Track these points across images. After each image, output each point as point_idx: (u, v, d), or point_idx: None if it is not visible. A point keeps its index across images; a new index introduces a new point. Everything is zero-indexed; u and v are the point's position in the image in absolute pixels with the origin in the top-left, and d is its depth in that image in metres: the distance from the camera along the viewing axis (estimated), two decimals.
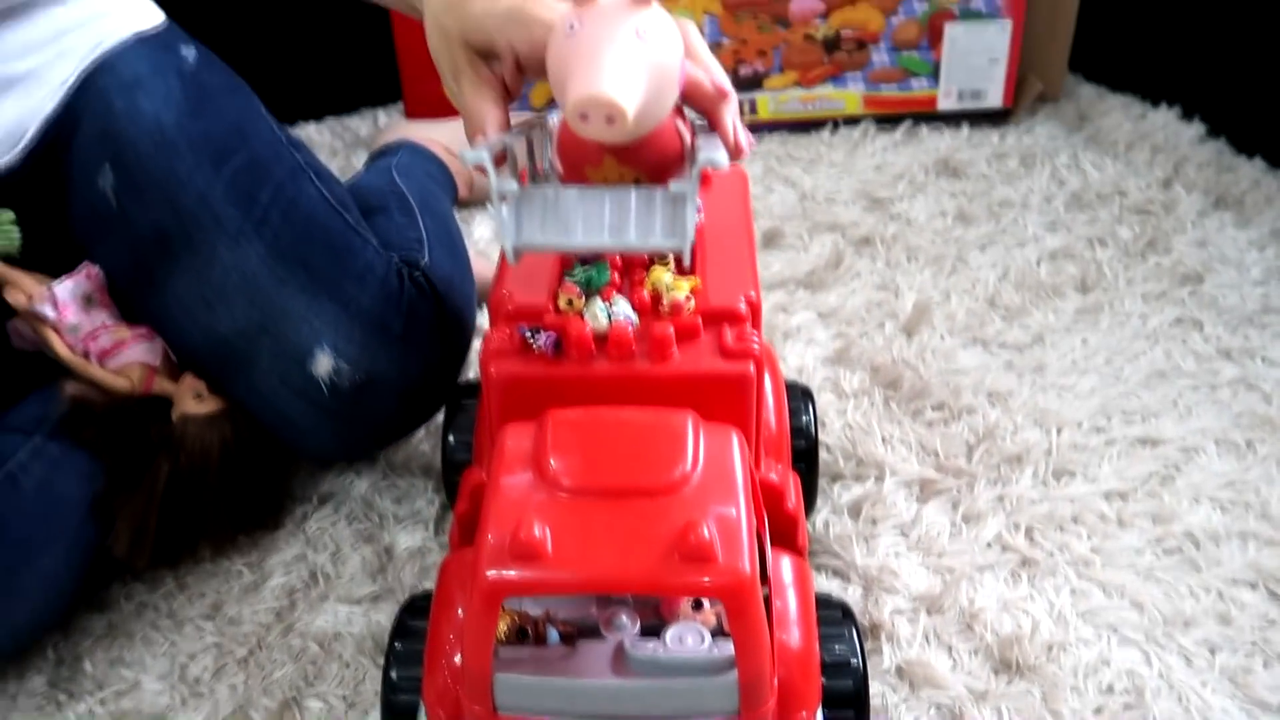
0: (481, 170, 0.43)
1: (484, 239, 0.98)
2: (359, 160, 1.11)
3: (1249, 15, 1.01)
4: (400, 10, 0.59)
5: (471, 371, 0.73)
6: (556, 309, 0.50)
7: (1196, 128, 1.08)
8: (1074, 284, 0.89)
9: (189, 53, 0.76)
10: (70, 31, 0.72)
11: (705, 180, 0.60)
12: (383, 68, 1.12)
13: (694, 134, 0.48)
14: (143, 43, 0.75)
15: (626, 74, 0.39)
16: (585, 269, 0.52)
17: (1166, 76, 1.12)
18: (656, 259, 0.52)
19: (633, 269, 0.52)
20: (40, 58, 0.71)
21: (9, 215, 0.65)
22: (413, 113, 1.10)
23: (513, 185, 0.43)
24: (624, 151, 0.44)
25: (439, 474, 0.69)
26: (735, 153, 0.48)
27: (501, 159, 0.45)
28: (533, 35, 0.46)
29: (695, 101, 0.48)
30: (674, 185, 0.42)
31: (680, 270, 0.52)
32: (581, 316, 0.49)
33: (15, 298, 0.64)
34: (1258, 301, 0.86)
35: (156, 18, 0.79)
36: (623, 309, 0.49)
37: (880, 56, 1.10)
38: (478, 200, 1.02)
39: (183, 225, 0.65)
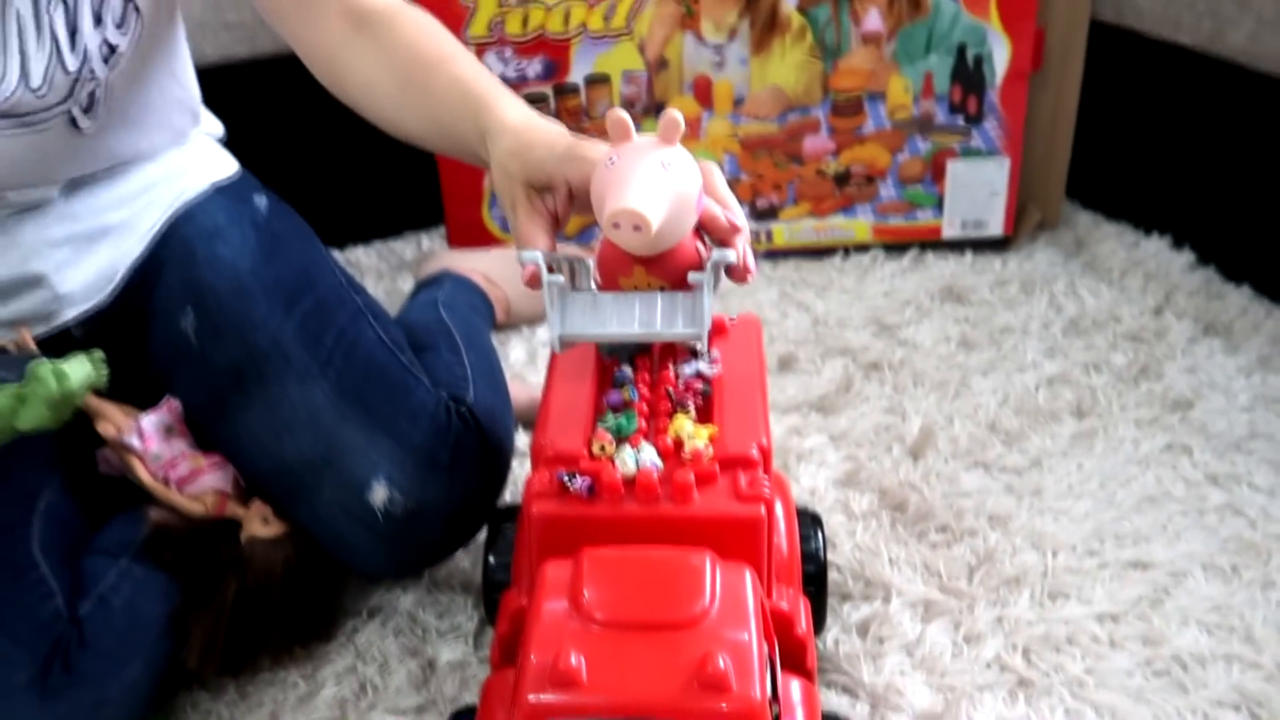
0: (535, 283, 0.53)
1: (519, 361, 1.06)
2: (404, 283, 1.19)
3: (1235, 147, 1.09)
4: (462, 159, 0.69)
5: (509, 495, 0.79)
6: (590, 454, 0.56)
7: (1187, 256, 1.15)
8: (1070, 409, 0.95)
9: (261, 201, 0.85)
10: (157, 184, 0.82)
11: (722, 329, 0.67)
12: (426, 195, 1.22)
13: (710, 252, 0.56)
14: (220, 193, 0.85)
15: (651, 193, 0.50)
16: (616, 416, 0.59)
17: (1158, 205, 1.20)
18: (679, 408, 0.59)
19: (658, 416, 0.59)
20: (132, 209, 0.80)
21: (99, 354, 0.73)
22: (454, 241, 1.19)
23: (560, 279, 0.53)
24: (651, 263, 0.54)
25: (479, 590, 0.74)
26: (743, 274, 0.56)
27: (550, 270, 0.55)
28: (583, 171, 0.56)
29: (713, 231, 0.57)
30: (692, 275, 0.52)
31: (700, 419, 0.59)
32: (612, 462, 0.55)
33: (105, 429, 0.71)
34: (1245, 427, 0.91)
35: (231, 167, 0.89)
36: (649, 455, 0.56)
37: (887, 190, 1.18)
38: (513, 324, 1.10)
39: (256, 364, 0.72)
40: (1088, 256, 1.19)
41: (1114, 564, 0.77)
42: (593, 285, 0.58)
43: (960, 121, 1.15)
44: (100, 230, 0.78)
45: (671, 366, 0.62)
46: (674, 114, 0.53)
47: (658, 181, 0.51)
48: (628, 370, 0.62)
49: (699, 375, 0.62)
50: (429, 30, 0.70)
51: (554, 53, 1.10)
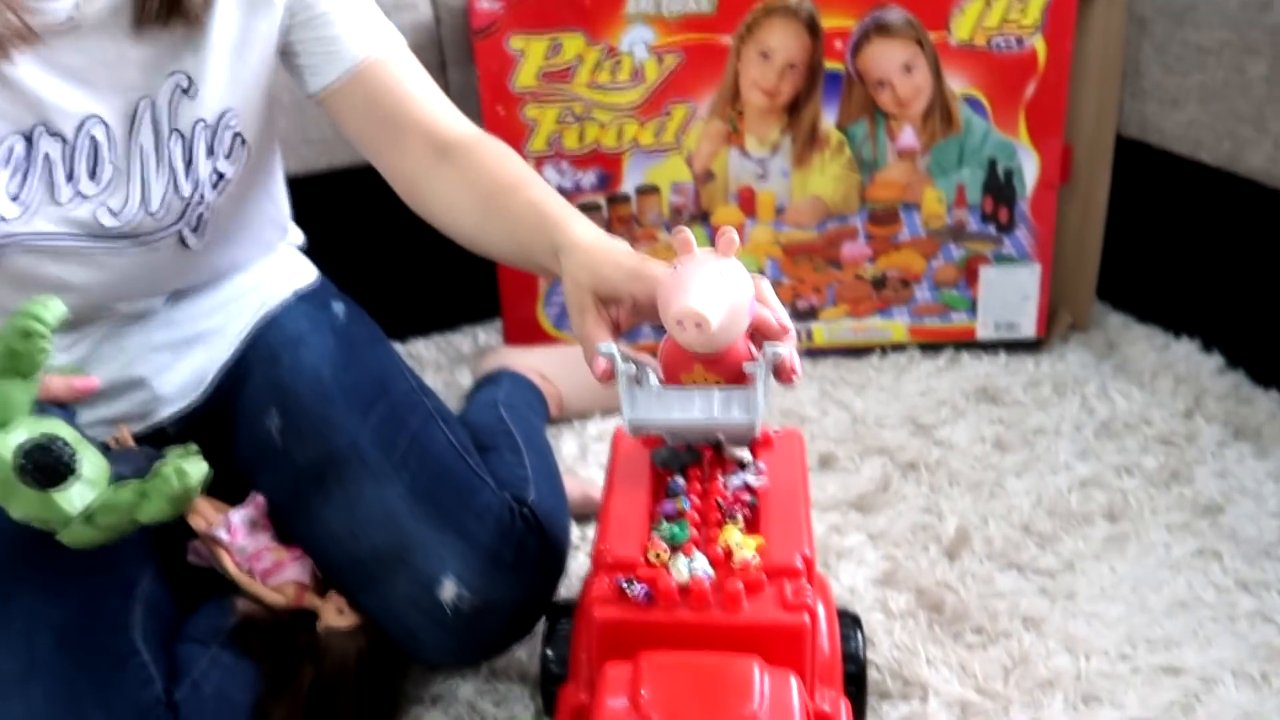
0: (608, 376, 0.61)
1: (571, 455, 1.11)
2: (461, 376, 1.26)
3: (1261, 256, 1.13)
4: (533, 272, 0.75)
5: (563, 590, 0.84)
6: (647, 561, 0.61)
7: (1216, 359, 1.19)
8: (1103, 512, 0.98)
9: (339, 308, 0.93)
10: (247, 293, 0.89)
11: (767, 441, 0.72)
12: (482, 291, 1.29)
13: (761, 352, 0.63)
14: (302, 300, 0.92)
15: (710, 296, 0.57)
16: (670, 525, 0.64)
17: (1188, 309, 1.24)
18: (728, 518, 0.64)
19: (708, 526, 0.64)
20: (224, 315, 0.87)
21: (194, 447, 0.80)
22: (510, 339, 1.26)
23: (632, 369, 0.61)
24: (709, 361, 0.62)
25: (535, 681, 0.79)
26: (789, 375, 0.62)
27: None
28: (647, 288, 0.62)
29: (763, 334, 0.63)
30: (747, 366, 0.60)
31: (748, 529, 0.64)
32: (667, 569, 0.60)
33: (197, 522, 0.77)
34: (1274, 533, 0.94)
35: (311, 274, 0.97)
36: (701, 564, 0.60)
37: (923, 293, 1.24)
38: (566, 418, 1.16)
39: (335, 464, 0.78)
40: (1119, 358, 1.23)
41: (1146, 669, 0.80)
42: (656, 382, 0.64)
43: (992, 230, 1.21)
44: (195, 336, 0.86)
45: (720, 477, 0.68)
46: (730, 231, 0.60)
47: (716, 287, 0.58)
48: (680, 480, 0.67)
49: (746, 486, 0.67)
50: (504, 157, 0.77)
51: (607, 165, 1.18)
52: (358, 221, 1.23)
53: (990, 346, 1.26)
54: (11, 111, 0.68)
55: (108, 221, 0.74)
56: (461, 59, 1.18)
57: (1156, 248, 1.26)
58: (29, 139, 0.69)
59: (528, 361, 1.15)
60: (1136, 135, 1.18)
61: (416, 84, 0.80)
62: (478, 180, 0.76)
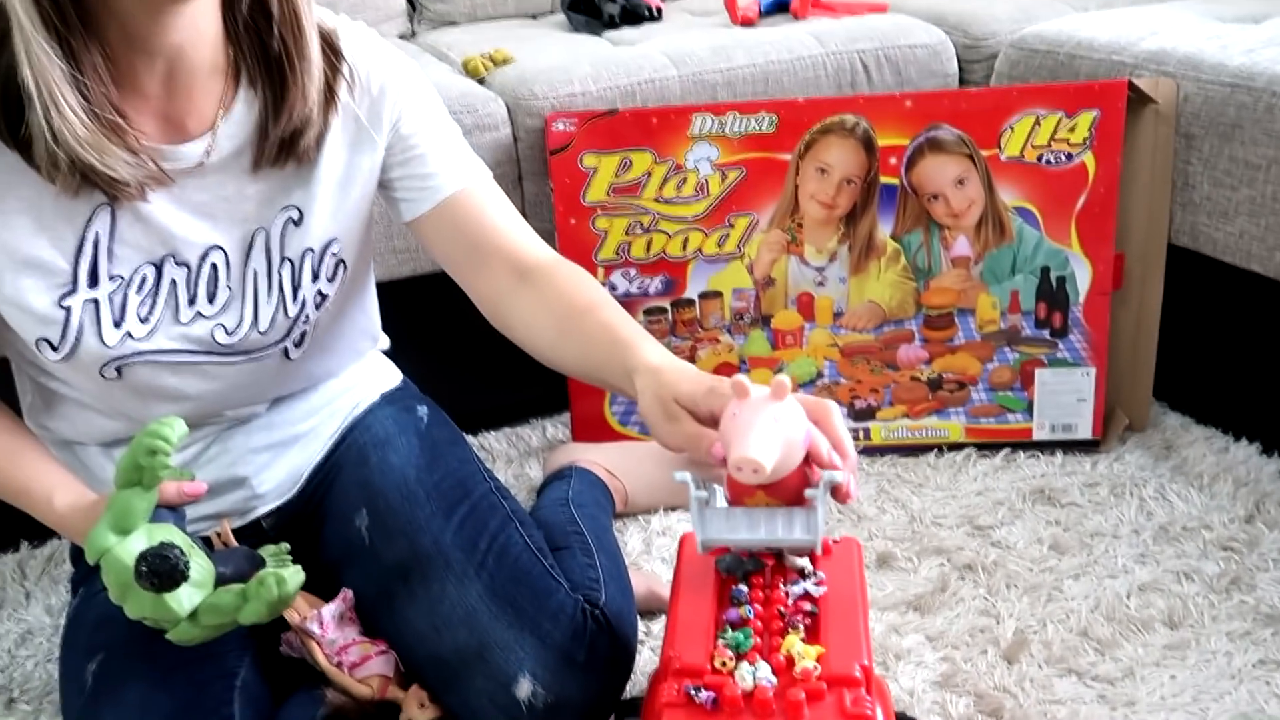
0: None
1: (635, 550, 1.15)
2: (531, 469, 1.32)
3: None
4: (603, 388, 0.81)
5: (631, 686, 0.87)
6: (713, 668, 0.65)
7: (1276, 463, 1.19)
8: (1162, 619, 0.99)
9: (422, 411, 0.99)
10: (339, 397, 0.96)
11: (826, 549, 0.76)
12: (551, 386, 1.35)
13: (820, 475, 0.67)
14: (389, 402, 0.99)
15: (766, 444, 0.62)
16: (734, 632, 0.68)
17: (1246, 412, 1.25)
18: (790, 627, 0.68)
19: (771, 634, 0.68)
20: (318, 419, 0.95)
21: (285, 546, 0.86)
22: (578, 435, 1.32)
23: (705, 494, 0.67)
24: (770, 488, 0.67)
25: None
26: (845, 497, 0.67)
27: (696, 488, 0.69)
28: (722, 403, 0.67)
29: (816, 461, 0.67)
30: (808, 492, 0.65)
31: (809, 638, 0.67)
32: (732, 676, 0.64)
33: (290, 615, 0.83)
34: None
35: (396, 377, 1.04)
36: (764, 672, 0.64)
37: (979, 394, 1.27)
38: (631, 513, 1.20)
39: (420, 563, 0.84)
40: (1177, 460, 1.24)
41: None
42: (724, 502, 0.70)
43: (1046, 335, 1.24)
44: (292, 438, 0.93)
45: (782, 585, 0.71)
46: (783, 379, 0.65)
47: (771, 433, 0.63)
48: (744, 589, 0.71)
49: (806, 595, 0.71)
50: (580, 281, 0.84)
51: (673, 271, 1.25)
52: (435, 322, 1.31)
53: (1047, 447, 1.28)
54: (145, 244, 0.77)
55: (222, 339, 0.81)
56: (537, 173, 1.26)
57: (1214, 351, 1.28)
58: (159, 267, 0.78)
59: (595, 457, 1.20)
60: (1188, 245, 1.21)
61: (500, 213, 0.87)
62: (555, 302, 0.82)
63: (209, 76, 0.75)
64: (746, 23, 1.52)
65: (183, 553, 0.69)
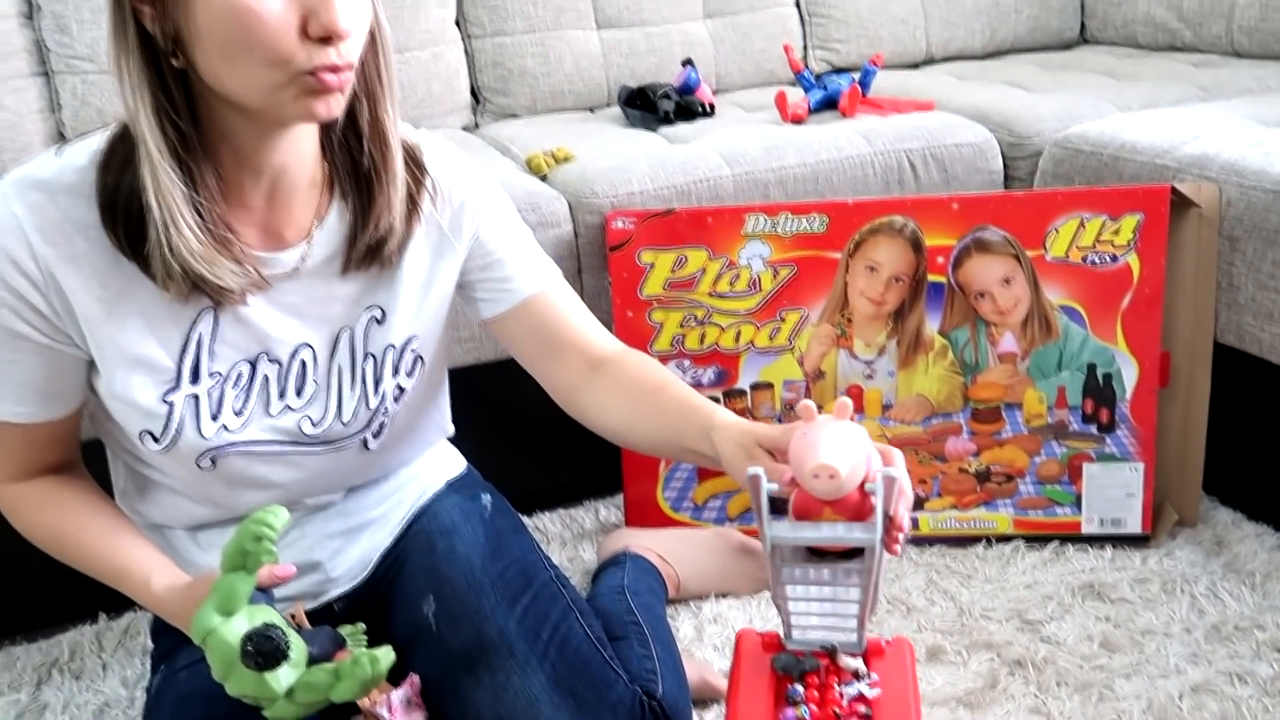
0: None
1: (687, 636, 1.18)
2: (584, 551, 1.35)
3: None
4: (676, 455, 0.87)
5: None
6: None
7: None
8: None
9: (486, 499, 1.04)
10: (407, 483, 1.01)
11: (878, 650, 0.78)
12: (604, 469, 1.38)
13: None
14: (454, 490, 1.03)
15: (838, 452, 0.67)
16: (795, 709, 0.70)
17: None
18: None
19: None
20: (388, 505, 0.99)
21: (361, 626, 0.90)
22: (631, 520, 1.35)
23: (775, 487, 0.71)
24: (835, 505, 0.70)
25: None
26: (897, 532, 0.70)
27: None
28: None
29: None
30: (868, 486, 0.68)
31: None
32: None
33: (361, 699, 0.87)
34: None
35: (461, 465, 1.08)
36: None
37: (1026, 487, 1.28)
38: (683, 599, 1.23)
39: (485, 651, 0.87)
40: (1228, 556, 1.24)
41: None
42: (788, 521, 0.74)
43: (1094, 430, 1.26)
44: (365, 524, 0.97)
45: (837, 686, 0.74)
46: (845, 400, 0.71)
47: (841, 444, 0.68)
48: (799, 688, 0.74)
49: (860, 696, 0.73)
50: (647, 364, 0.91)
51: (725, 363, 1.29)
52: (493, 406, 1.36)
53: (1096, 541, 1.29)
54: (243, 343, 0.83)
55: (308, 430, 0.87)
56: (596, 267, 1.32)
57: (1264, 447, 1.28)
58: (253, 364, 0.84)
59: (648, 543, 1.24)
60: (1235, 344, 1.23)
61: (572, 310, 0.93)
62: (627, 386, 0.88)
63: (307, 190, 0.82)
64: (796, 120, 1.59)
65: (284, 633, 0.73)
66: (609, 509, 1.45)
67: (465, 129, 1.81)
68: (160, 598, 0.81)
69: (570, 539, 1.39)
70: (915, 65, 2.05)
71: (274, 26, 0.68)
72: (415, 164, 0.86)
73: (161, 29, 0.70)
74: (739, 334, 1.28)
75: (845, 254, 1.25)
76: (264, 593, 0.83)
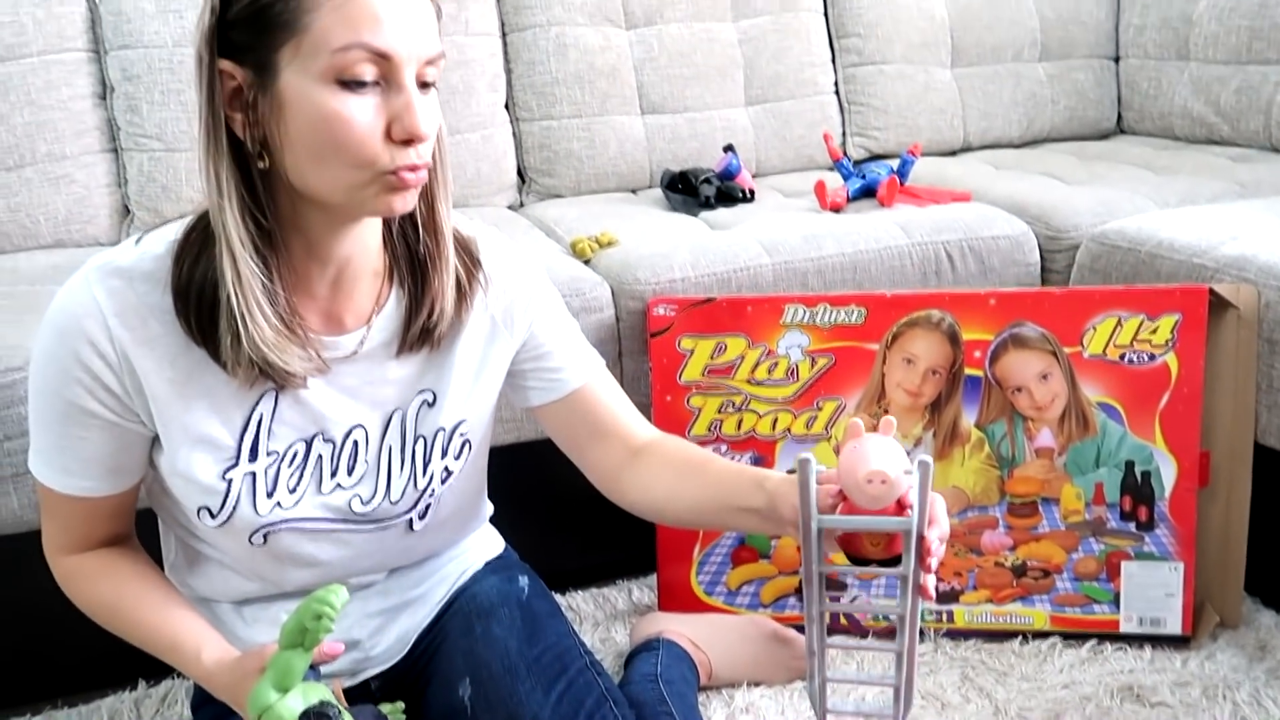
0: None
1: None
2: (616, 633, 1.35)
3: None
4: (721, 520, 0.90)
5: None
6: None
7: None
8: None
9: (523, 581, 1.05)
10: (448, 563, 1.03)
11: None
12: (639, 550, 1.39)
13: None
14: (492, 571, 1.05)
15: (888, 460, 0.72)
16: None
17: None
18: None
19: None
20: (428, 585, 1.01)
21: (400, 704, 0.91)
22: (665, 605, 1.35)
23: (823, 468, 0.76)
24: (880, 513, 0.73)
25: None
26: (927, 552, 0.73)
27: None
28: None
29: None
30: (905, 474, 0.72)
31: None
32: None
33: None
34: None
35: (499, 545, 1.10)
36: None
37: (1064, 584, 1.28)
38: (715, 686, 1.23)
39: None
40: (1272, 662, 1.22)
41: None
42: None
43: (1132, 528, 1.26)
44: (404, 604, 0.99)
45: None
46: (890, 419, 0.76)
47: (889, 454, 0.73)
48: None
49: None
50: (690, 445, 0.96)
51: (762, 449, 1.30)
52: (530, 484, 1.38)
53: (1135, 640, 1.27)
54: (300, 423, 0.86)
55: (358, 508, 0.89)
56: (636, 351, 1.35)
57: None
58: (309, 443, 0.86)
59: (681, 629, 1.24)
60: (1276, 445, 1.23)
61: (615, 400, 0.97)
62: (671, 463, 0.93)
63: (369, 278, 0.85)
64: (835, 208, 1.62)
65: (339, 711, 0.75)
66: (642, 590, 1.45)
67: (511, 208, 1.86)
68: (210, 671, 0.82)
69: (603, 619, 1.40)
70: (952, 153, 2.08)
71: (362, 132, 0.73)
72: (469, 255, 0.89)
73: (251, 135, 0.74)
74: (776, 421, 1.29)
75: (883, 346, 1.27)
76: (313, 669, 0.85)
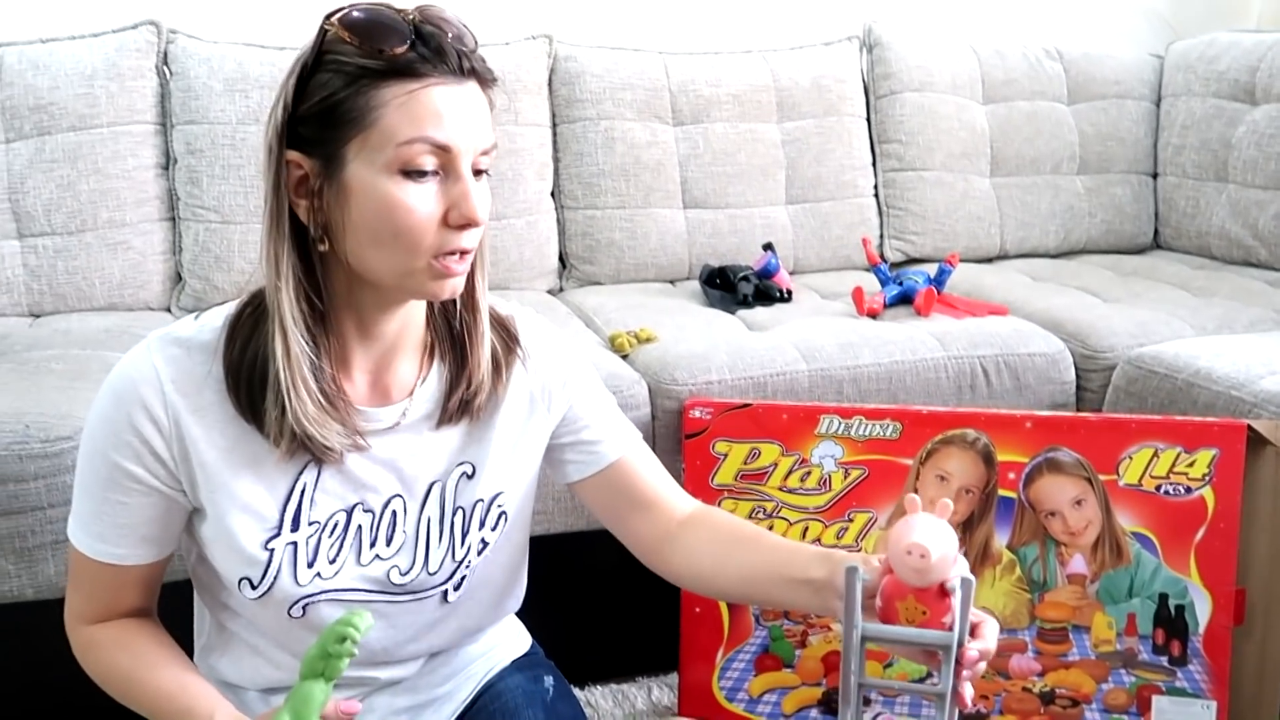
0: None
1: None
2: None
3: None
4: (767, 594, 0.90)
5: None
6: None
7: None
8: None
9: (549, 681, 1.04)
10: (475, 660, 1.02)
11: None
12: (661, 647, 1.38)
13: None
14: (518, 669, 1.04)
15: (931, 537, 0.72)
16: None
17: None
18: None
19: None
20: (455, 683, 1.00)
21: None
22: (684, 709, 1.34)
23: (867, 578, 0.76)
24: (919, 593, 0.74)
25: None
26: (969, 662, 0.73)
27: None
28: None
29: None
30: (948, 584, 0.73)
31: None
32: None
33: None
34: None
35: (526, 642, 1.09)
36: None
37: (1093, 715, 1.25)
38: None
39: None
40: None
41: None
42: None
43: (1164, 662, 1.24)
44: (430, 700, 0.98)
45: None
46: (946, 501, 0.76)
47: (935, 532, 0.73)
48: None
49: None
50: (734, 518, 0.97)
51: None
52: (557, 576, 1.38)
53: None
54: (341, 493, 0.86)
55: (396, 579, 0.89)
56: (670, 450, 1.36)
57: None
58: (349, 514, 0.87)
59: None
60: None
61: (653, 473, 0.98)
62: (720, 534, 0.93)
63: (413, 352, 0.88)
64: (872, 314, 1.64)
65: None
66: (662, 689, 1.44)
67: (550, 292, 1.89)
68: None
69: (621, 718, 1.39)
70: (989, 259, 2.10)
71: (423, 219, 0.76)
72: (507, 332, 0.92)
73: (315, 220, 0.78)
74: (806, 530, 1.29)
75: (917, 461, 1.27)
76: None
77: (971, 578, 0.74)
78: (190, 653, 0.95)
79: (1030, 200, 2.11)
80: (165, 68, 1.74)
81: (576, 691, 1.45)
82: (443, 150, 0.76)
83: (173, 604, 0.93)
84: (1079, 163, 2.15)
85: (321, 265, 0.80)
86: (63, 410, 1.20)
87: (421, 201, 0.76)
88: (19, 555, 1.15)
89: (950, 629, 0.74)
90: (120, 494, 0.82)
